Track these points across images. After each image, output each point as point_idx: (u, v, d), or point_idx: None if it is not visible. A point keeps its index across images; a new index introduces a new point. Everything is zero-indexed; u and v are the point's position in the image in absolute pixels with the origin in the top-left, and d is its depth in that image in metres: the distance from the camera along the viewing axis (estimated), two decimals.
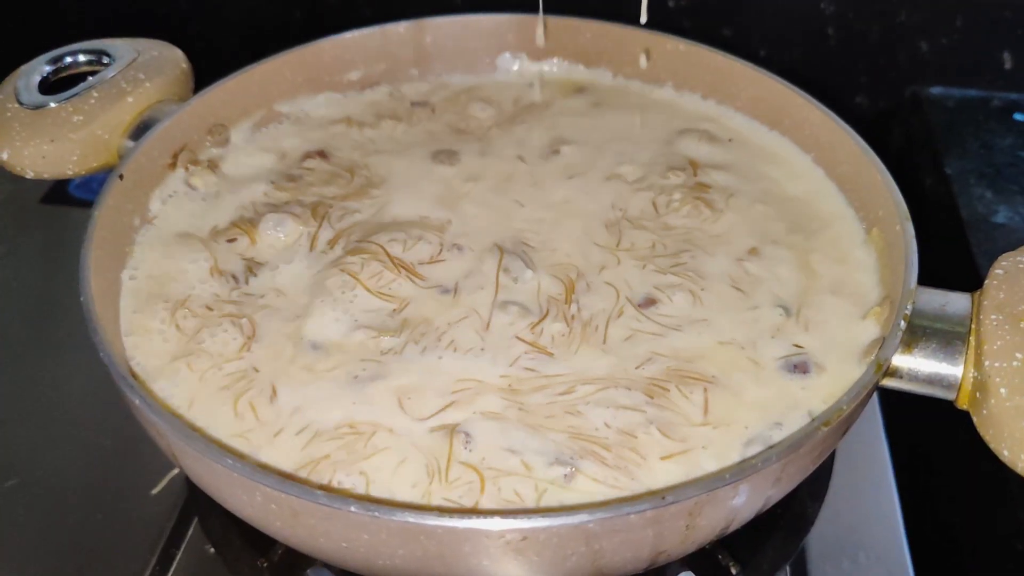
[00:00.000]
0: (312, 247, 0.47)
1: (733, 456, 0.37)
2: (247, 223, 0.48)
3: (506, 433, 0.37)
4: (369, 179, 0.52)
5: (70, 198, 0.67)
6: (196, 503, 0.46)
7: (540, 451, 0.37)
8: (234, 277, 0.46)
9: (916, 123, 0.70)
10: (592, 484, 0.36)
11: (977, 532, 0.50)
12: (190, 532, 0.45)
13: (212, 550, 0.44)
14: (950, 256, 0.59)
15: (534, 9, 0.59)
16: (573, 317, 0.43)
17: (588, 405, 0.39)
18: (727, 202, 0.49)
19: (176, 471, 0.47)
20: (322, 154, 0.53)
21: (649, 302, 0.43)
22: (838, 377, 0.40)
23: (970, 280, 0.56)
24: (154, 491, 0.47)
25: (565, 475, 0.36)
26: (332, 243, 0.47)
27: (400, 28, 0.58)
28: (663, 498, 0.31)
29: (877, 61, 0.72)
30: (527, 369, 0.40)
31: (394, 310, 0.43)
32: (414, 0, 0.65)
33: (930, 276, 0.40)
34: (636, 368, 0.40)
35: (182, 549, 0.44)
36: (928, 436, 0.53)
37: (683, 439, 0.37)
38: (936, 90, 0.71)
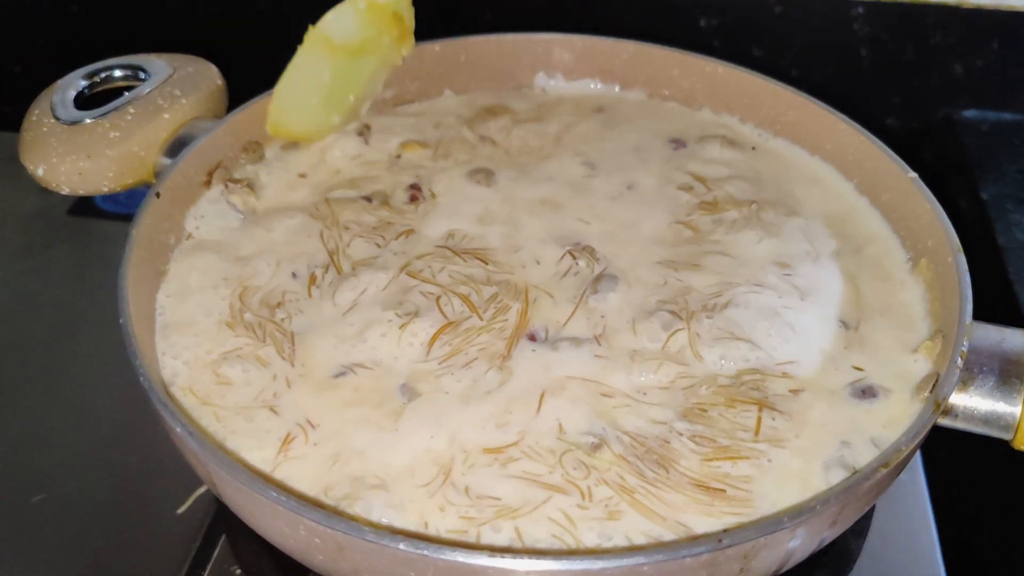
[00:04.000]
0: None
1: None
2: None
3: (572, 407, 0.39)
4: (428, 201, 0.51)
5: (97, 211, 0.66)
6: (223, 523, 0.45)
7: (578, 423, 0.38)
8: (278, 305, 0.45)
9: (949, 146, 0.69)
10: (611, 456, 0.37)
11: (1019, 571, 0.49)
12: (216, 553, 0.45)
13: (239, 571, 0.44)
14: (987, 283, 0.58)
15: (566, 28, 0.59)
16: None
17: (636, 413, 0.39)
18: (759, 216, 0.49)
19: (203, 490, 0.47)
20: (416, 188, 0.51)
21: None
22: (898, 403, 0.39)
23: (1009, 309, 0.55)
24: (180, 510, 0.46)
25: (592, 443, 0.37)
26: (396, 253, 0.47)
27: (436, 47, 0.58)
28: (720, 540, 0.30)
29: (910, 83, 0.71)
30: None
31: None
32: (443, 18, 0.64)
33: None
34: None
35: (208, 570, 0.44)
36: (968, 473, 0.52)
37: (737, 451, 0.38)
38: (970, 113, 0.70)
